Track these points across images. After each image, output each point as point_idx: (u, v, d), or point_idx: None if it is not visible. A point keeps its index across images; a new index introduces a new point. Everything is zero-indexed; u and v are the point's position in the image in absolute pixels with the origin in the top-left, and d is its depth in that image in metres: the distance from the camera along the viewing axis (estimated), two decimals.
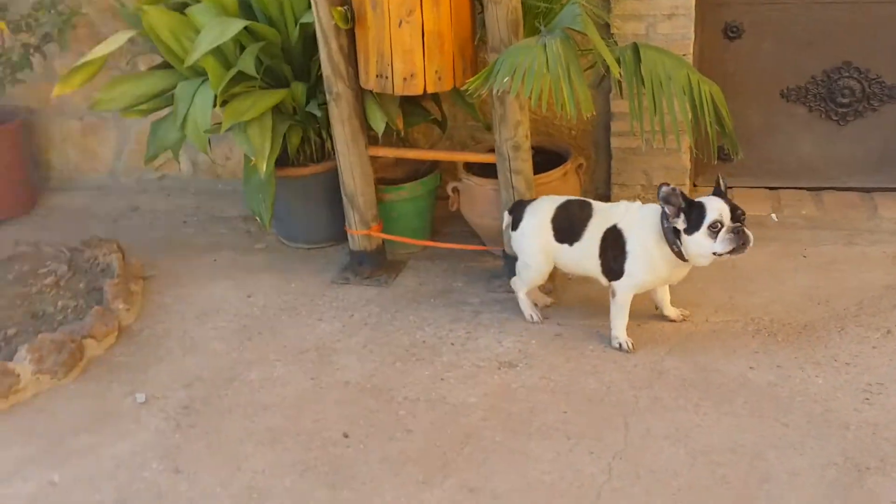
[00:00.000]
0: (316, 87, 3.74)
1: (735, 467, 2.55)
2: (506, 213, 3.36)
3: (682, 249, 2.97)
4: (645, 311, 3.33)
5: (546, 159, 3.79)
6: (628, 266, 3.05)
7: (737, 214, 2.90)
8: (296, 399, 3.00)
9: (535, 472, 2.60)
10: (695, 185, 4.27)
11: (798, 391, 2.85)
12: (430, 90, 3.33)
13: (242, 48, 3.59)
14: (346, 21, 3.34)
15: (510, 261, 3.56)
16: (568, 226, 3.18)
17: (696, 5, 3.87)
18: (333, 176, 3.72)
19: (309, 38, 3.61)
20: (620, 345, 3.11)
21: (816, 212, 3.98)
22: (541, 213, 3.24)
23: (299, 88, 3.72)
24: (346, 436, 2.81)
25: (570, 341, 3.19)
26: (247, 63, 3.50)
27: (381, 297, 3.57)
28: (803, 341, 3.09)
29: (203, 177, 4.70)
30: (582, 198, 3.30)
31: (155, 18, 3.61)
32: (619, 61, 3.36)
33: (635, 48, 3.36)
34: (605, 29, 3.84)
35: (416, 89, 3.33)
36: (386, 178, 3.96)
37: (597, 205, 3.21)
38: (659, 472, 2.56)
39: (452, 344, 3.23)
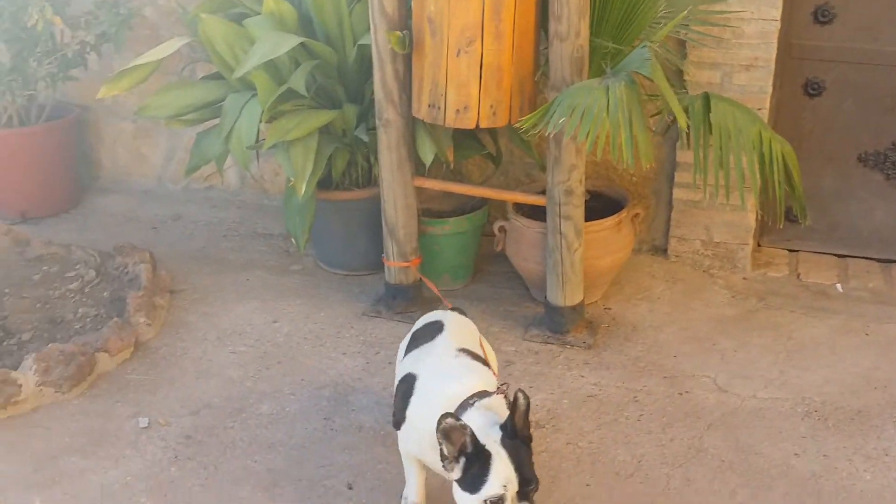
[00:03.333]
0: (368, 111, 3.60)
1: None
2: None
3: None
4: (689, 376, 3.10)
5: (602, 205, 3.59)
6: (402, 431, 2.36)
7: (526, 491, 2.06)
8: (304, 440, 2.83)
9: None
10: (759, 245, 4.01)
11: (843, 486, 2.58)
12: (483, 125, 3.16)
13: (298, 64, 3.47)
14: (402, 46, 3.18)
15: (550, 309, 3.36)
16: (415, 344, 2.52)
17: (776, 58, 3.64)
18: (377, 203, 3.56)
19: (366, 60, 3.48)
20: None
21: (885, 286, 3.69)
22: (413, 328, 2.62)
23: (350, 111, 3.58)
24: (350, 487, 2.63)
25: (605, 405, 2.97)
26: (297, 81, 3.36)
27: None
28: (855, 429, 2.82)
29: (250, 191, 4.59)
30: (441, 317, 2.57)
31: (211, 27, 3.50)
32: (687, 110, 3.16)
33: (706, 98, 3.15)
34: (678, 75, 3.63)
35: (468, 123, 3.15)
36: (432, 209, 3.80)
37: (437, 343, 2.44)
38: None
39: None
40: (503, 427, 2.09)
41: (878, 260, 3.90)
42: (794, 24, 3.69)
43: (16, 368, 3.05)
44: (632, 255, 3.83)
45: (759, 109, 3.57)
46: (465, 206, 3.75)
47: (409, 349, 2.52)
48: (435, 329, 2.50)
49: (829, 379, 3.09)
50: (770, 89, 3.60)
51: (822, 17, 3.68)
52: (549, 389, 3.05)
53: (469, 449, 2.04)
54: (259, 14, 3.54)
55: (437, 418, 2.02)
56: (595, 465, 2.70)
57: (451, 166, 3.59)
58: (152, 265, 3.73)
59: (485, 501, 2.03)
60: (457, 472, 2.07)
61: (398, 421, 2.36)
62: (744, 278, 3.75)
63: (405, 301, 3.55)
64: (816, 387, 3.05)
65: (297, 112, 3.44)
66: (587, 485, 2.62)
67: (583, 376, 3.12)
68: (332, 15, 3.52)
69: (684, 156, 3.71)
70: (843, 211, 3.93)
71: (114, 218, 4.46)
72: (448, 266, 3.67)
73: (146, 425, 2.91)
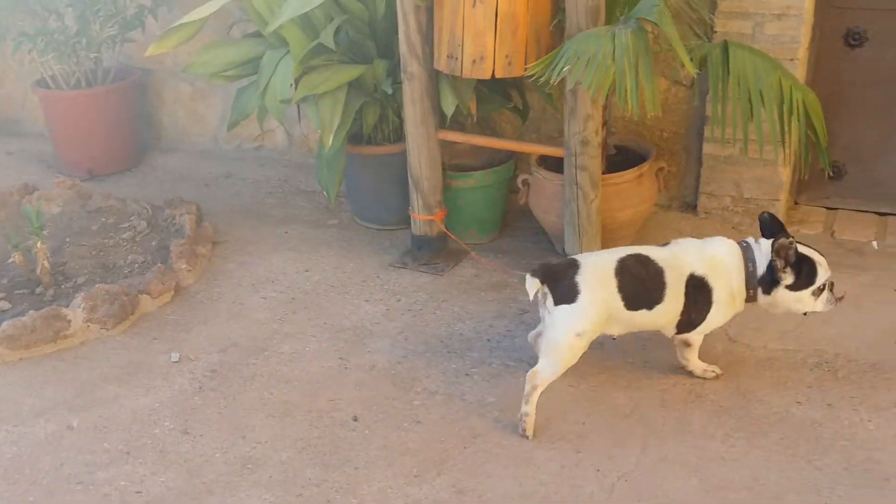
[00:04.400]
0: (398, 66, 3.67)
1: None
2: (533, 282, 2.65)
3: (769, 298, 2.71)
4: None
5: (628, 159, 3.60)
6: (711, 315, 2.71)
7: (829, 272, 2.72)
8: (318, 376, 2.97)
9: (533, 482, 2.46)
10: (796, 203, 3.96)
11: (843, 434, 2.57)
12: (498, 75, 3.22)
13: (332, 20, 3.58)
14: None
15: None
16: (642, 289, 2.66)
17: (815, 8, 3.60)
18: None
19: (395, 15, 3.55)
20: (715, 373, 2.84)
21: None
22: (602, 282, 2.64)
23: (380, 66, 3.68)
24: (355, 419, 2.76)
25: (612, 351, 3.01)
26: (327, 35, 3.48)
27: (432, 285, 3.49)
28: (866, 382, 2.79)
29: (297, 150, 4.76)
30: (627, 250, 2.73)
31: None
32: (705, 59, 3.16)
33: (725, 46, 3.14)
34: (706, 26, 3.60)
35: (484, 73, 3.22)
36: (463, 164, 3.87)
37: (655, 255, 2.70)
38: (662, 499, 2.37)
39: (488, 340, 3.12)
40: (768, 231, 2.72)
41: None
42: None
43: (67, 307, 3.28)
44: (661, 211, 3.84)
45: (790, 60, 3.52)
46: (494, 162, 3.82)
47: (631, 297, 2.64)
48: (632, 258, 2.70)
49: (848, 333, 3.06)
50: (803, 39, 3.54)
51: None
52: None
53: (793, 259, 2.64)
54: None
55: (773, 247, 2.63)
56: (592, 406, 2.75)
57: (474, 119, 3.66)
58: (196, 217, 3.93)
59: (818, 288, 2.68)
60: (790, 278, 2.67)
61: (700, 318, 2.72)
62: None
63: (430, 252, 3.66)
64: (832, 340, 3.03)
65: (328, 67, 3.56)
66: (582, 423, 2.69)
67: None
68: None
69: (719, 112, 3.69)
70: (885, 167, 3.84)
71: (171, 175, 4.69)
72: (475, 220, 3.75)
73: (177, 360, 3.10)
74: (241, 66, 3.82)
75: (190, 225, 3.83)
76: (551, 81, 2.91)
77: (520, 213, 3.85)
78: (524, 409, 2.63)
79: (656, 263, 2.68)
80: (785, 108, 3.10)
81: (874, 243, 3.62)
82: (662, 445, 2.57)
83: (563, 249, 3.43)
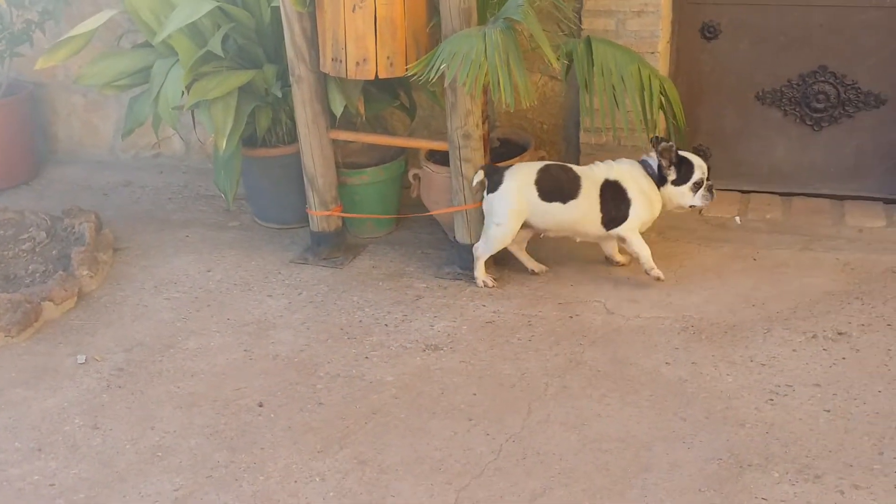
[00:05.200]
0: (287, 70, 3.84)
1: (619, 455, 2.58)
2: (479, 172, 3.44)
3: (664, 193, 3.46)
4: (581, 301, 3.37)
5: (511, 151, 3.84)
6: (633, 210, 3.41)
7: (709, 174, 3.47)
8: (224, 368, 3.12)
9: (428, 448, 2.67)
10: None
11: (705, 388, 2.86)
12: (381, 75, 3.42)
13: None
14: (303, 5, 3.44)
15: (459, 248, 3.63)
16: (556, 186, 3.40)
17: (672, 4, 3.90)
18: None
19: (281, 21, 3.71)
20: (654, 271, 3.43)
21: (781, 216, 3.95)
22: (523, 176, 3.40)
23: (270, 70, 3.83)
24: (260, 405, 2.91)
25: (500, 329, 3.24)
26: (214, 43, 3.61)
27: (332, 278, 3.67)
28: (726, 341, 3.09)
29: (195, 156, 4.85)
30: (558, 162, 3.56)
31: None
32: (571, 54, 3.42)
33: (588, 42, 3.40)
34: (574, 24, 3.86)
35: (368, 74, 3.41)
36: (356, 162, 4.05)
37: (575, 167, 3.49)
38: (545, 455, 2.60)
39: (386, 325, 3.31)
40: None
41: (780, 193, 4.15)
42: None
43: None
44: None
45: (651, 53, 3.81)
46: (386, 159, 4.01)
47: (546, 191, 3.39)
48: (556, 165, 3.49)
49: (711, 299, 3.36)
50: (662, 34, 3.84)
51: None
52: (452, 318, 3.32)
53: (675, 160, 3.39)
54: None
55: (657, 149, 3.39)
56: (482, 379, 2.97)
57: (363, 118, 3.84)
58: (96, 224, 4.01)
59: (694, 184, 3.42)
60: (673, 174, 3.41)
61: (622, 213, 3.42)
62: None
63: (329, 247, 3.83)
64: (697, 306, 3.32)
65: (218, 73, 3.70)
66: (473, 394, 2.90)
67: (484, 306, 3.39)
68: None
69: (588, 101, 3.95)
70: (745, 148, 4.17)
71: (69, 186, 4.74)
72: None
73: (83, 361, 3.20)
74: (133, 76, 3.91)
75: (90, 233, 3.90)
76: (430, 79, 3.12)
77: (413, 206, 4.03)
78: (476, 274, 3.51)
79: (575, 171, 3.44)
80: (646, 94, 3.39)
81: (736, 219, 3.94)
82: (545, 408, 2.81)
83: (455, 237, 3.65)
